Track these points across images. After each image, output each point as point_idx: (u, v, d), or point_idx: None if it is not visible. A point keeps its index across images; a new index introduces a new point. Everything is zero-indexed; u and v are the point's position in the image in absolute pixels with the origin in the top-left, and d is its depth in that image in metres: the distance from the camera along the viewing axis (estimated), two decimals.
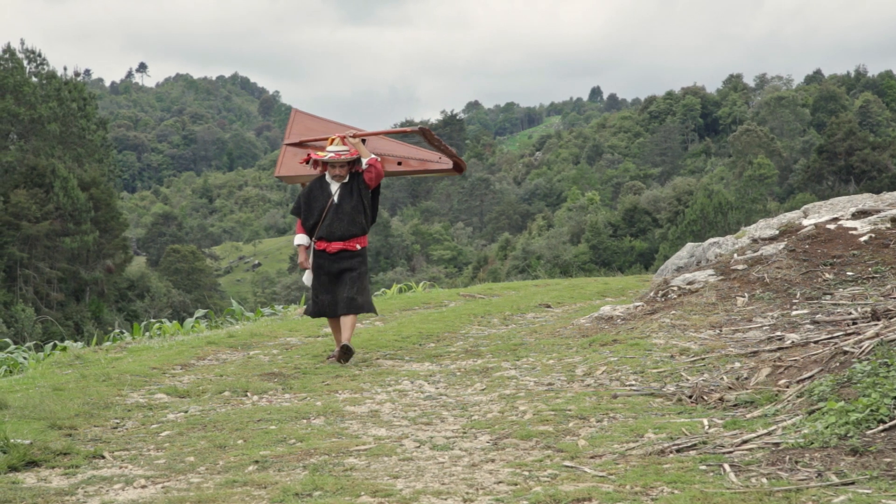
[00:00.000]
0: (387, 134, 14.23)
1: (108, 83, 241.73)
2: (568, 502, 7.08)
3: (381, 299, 24.63)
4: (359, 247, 13.36)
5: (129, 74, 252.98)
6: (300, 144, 14.17)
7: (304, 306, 13.54)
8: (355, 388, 12.10)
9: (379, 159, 13.42)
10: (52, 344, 21.27)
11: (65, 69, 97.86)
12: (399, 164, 13.71)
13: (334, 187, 13.37)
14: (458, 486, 7.70)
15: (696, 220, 74.00)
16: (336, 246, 13.27)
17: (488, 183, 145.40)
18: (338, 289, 13.31)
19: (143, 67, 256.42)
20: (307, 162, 13.73)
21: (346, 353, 13.20)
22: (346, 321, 13.35)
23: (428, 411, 10.74)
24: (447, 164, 13.81)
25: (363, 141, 13.71)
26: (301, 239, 13.45)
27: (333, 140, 13.50)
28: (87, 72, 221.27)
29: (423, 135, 13.87)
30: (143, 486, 8.10)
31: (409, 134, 14.54)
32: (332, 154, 13.28)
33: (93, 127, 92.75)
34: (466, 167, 14.76)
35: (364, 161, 13.32)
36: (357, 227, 13.32)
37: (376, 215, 13.59)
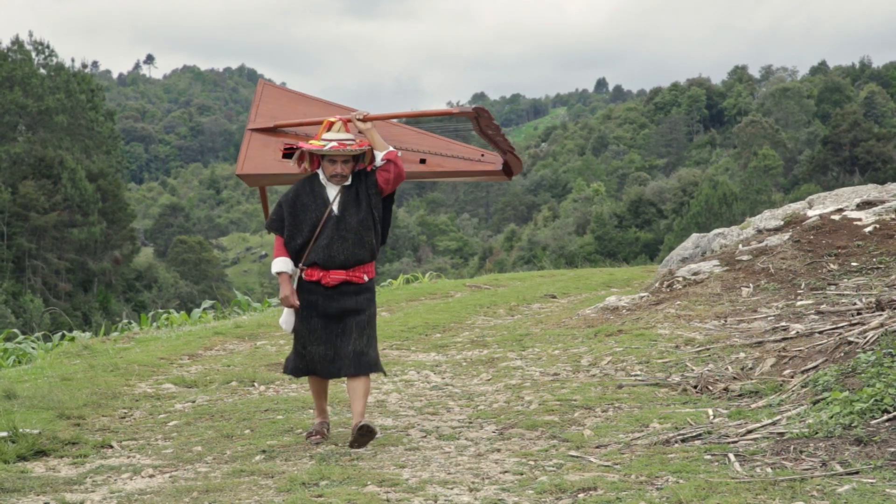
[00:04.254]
0: (412, 117, 10.60)
1: (115, 75, 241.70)
2: (573, 492, 7.12)
3: (388, 290, 24.68)
4: (366, 278, 9.01)
5: (137, 66, 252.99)
6: (272, 130, 9.91)
7: (287, 363, 9.26)
8: None
9: (400, 153, 9.14)
10: (60, 334, 21.33)
11: (72, 61, 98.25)
12: (422, 161, 9.63)
13: (332, 192, 8.93)
14: (463, 476, 7.74)
15: (701, 211, 73.93)
16: (336, 276, 8.88)
17: None
18: (338, 339, 8.94)
19: (150, 59, 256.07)
20: (289, 155, 9.45)
21: (365, 436, 8.78)
22: (357, 388, 8.93)
23: (434, 401, 10.79)
24: (492, 164, 9.66)
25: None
26: (283, 265, 8.94)
27: (332, 124, 9.04)
28: (95, 63, 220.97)
29: (476, 119, 9.25)
30: (151, 476, 8.15)
31: (451, 117, 10.13)
32: (333, 143, 8.81)
33: (100, 118, 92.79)
34: (521, 168, 9.88)
35: (379, 156, 8.93)
36: (365, 249, 8.94)
37: (388, 233, 9.30)
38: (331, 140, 8.87)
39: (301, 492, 7.38)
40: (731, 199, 74.17)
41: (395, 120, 10.07)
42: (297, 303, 8.89)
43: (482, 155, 9.75)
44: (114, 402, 10.95)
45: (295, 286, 8.96)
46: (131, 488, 7.77)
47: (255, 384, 11.97)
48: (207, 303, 25.98)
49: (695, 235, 18.79)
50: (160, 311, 25.95)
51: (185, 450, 8.94)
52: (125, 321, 23.91)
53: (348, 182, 8.97)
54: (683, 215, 78.07)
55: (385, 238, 9.22)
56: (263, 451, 8.71)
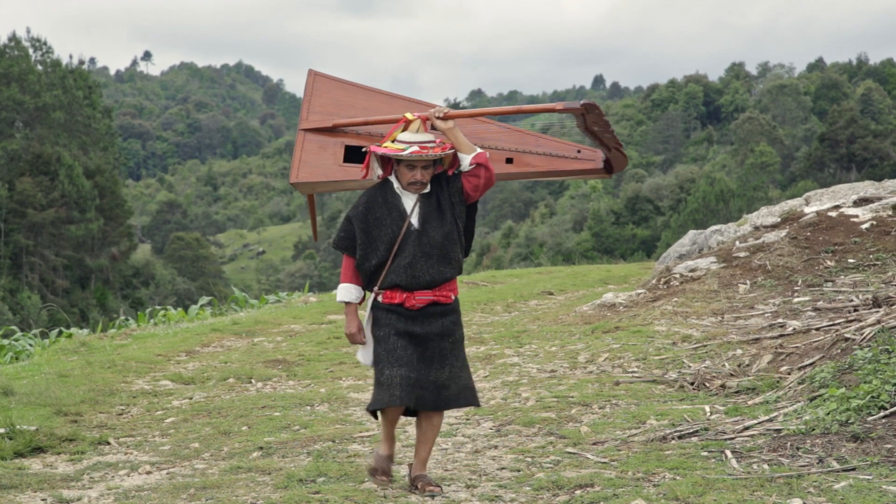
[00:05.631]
0: (503, 114, 8.91)
1: (112, 71, 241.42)
2: (570, 488, 7.14)
3: None
4: (453, 296, 7.70)
5: (134, 63, 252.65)
6: (329, 130, 8.46)
7: (370, 399, 7.59)
8: (359, 374, 12.16)
9: (488, 154, 7.81)
10: (57, 331, 21.35)
11: (70, 57, 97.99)
12: (509, 161, 8.42)
13: (409, 202, 7.59)
14: (461, 473, 7.76)
15: (699, 207, 73.89)
16: (422, 298, 7.55)
17: None
18: (419, 364, 7.53)
19: (147, 56, 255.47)
20: (352, 158, 8.36)
21: (426, 489, 7.45)
22: (428, 426, 7.64)
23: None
24: (591, 161, 8.51)
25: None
26: (348, 293, 7.64)
27: (410, 122, 7.68)
28: (92, 60, 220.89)
29: (583, 115, 8.04)
30: (149, 472, 8.16)
31: (555, 113, 8.41)
32: (414, 147, 7.47)
33: (98, 115, 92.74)
34: (627, 164, 8.71)
35: (466, 159, 7.60)
36: (452, 265, 7.65)
37: (472, 244, 8.05)
38: (410, 143, 7.45)
39: (298, 488, 7.39)
40: (728, 196, 74.15)
41: (499, 113, 8.79)
42: (365, 340, 7.56)
43: (578, 151, 8.47)
44: (111, 398, 10.96)
45: (369, 309, 7.60)
46: (128, 485, 7.78)
47: (253, 381, 11.98)
48: (205, 299, 26.02)
49: (692, 232, 18.82)
50: (157, 307, 26.01)
51: (183, 446, 8.96)
52: (122, 318, 23.96)
53: (427, 190, 7.56)
54: (680, 212, 78.02)
55: (468, 250, 7.90)
56: (261, 448, 8.72)
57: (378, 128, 8.27)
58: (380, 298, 7.50)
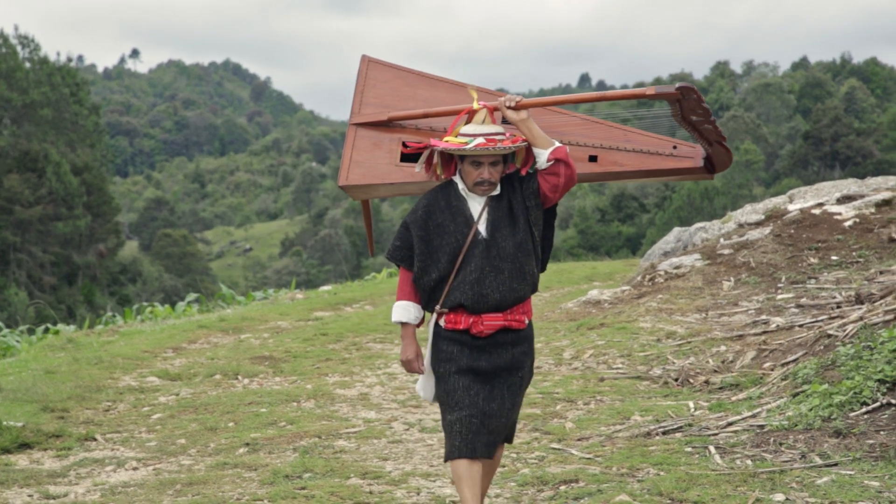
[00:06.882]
0: (585, 101, 7.11)
1: (100, 69, 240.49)
2: (555, 484, 7.19)
3: (371, 283, 24.71)
4: (527, 320, 6.37)
5: (122, 60, 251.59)
6: (385, 124, 7.09)
7: (447, 448, 6.20)
8: (345, 371, 12.19)
9: (568, 149, 6.47)
10: (44, 327, 21.34)
11: (58, 55, 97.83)
12: (592, 159, 6.98)
13: (476, 206, 6.31)
14: (446, 468, 7.79)
15: (683, 205, 74.03)
16: (492, 322, 6.23)
17: None
18: (485, 404, 6.22)
19: (135, 53, 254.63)
20: (409, 157, 6.90)
21: None
22: (493, 462, 6.44)
23: (417, 394, 10.83)
24: (689, 158, 7.00)
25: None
26: (404, 312, 6.35)
27: (474, 113, 6.44)
28: (80, 57, 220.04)
29: (678, 102, 6.56)
30: (135, 468, 8.19)
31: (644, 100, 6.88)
32: (479, 140, 6.21)
33: (85, 112, 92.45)
34: (731, 161, 7.07)
35: (543, 155, 6.29)
36: (526, 282, 6.32)
37: (549, 254, 6.64)
38: (475, 135, 6.22)
39: (284, 484, 7.42)
40: (712, 194, 74.30)
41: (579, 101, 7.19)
42: (423, 369, 6.31)
43: (674, 147, 7.02)
44: (98, 395, 10.97)
45: (430, 335, 6.32)
46: (115, 481, 7.81)
47: (239, 377, 12.00)
48: (192, 296, 26.00)
49: (676, 229, 18.90)
50: (144, 304, 26.01)
51: (169, 442, 8.98)
52: (109, 314, 23.96)
53: (496, 191, 6.31)
54: (665, 209, 78.12)
55: (546, 264, 6.56)
56: (247, 444, 8.75)
57: (441, 121, 6.90)
58: (442, 323, 6.25)
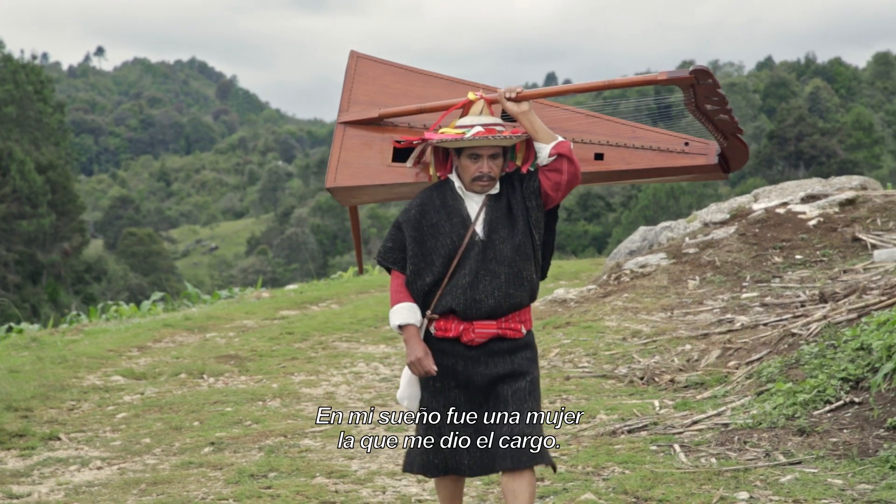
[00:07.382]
0: (591, 90, 6.49)
1: (65, 67, 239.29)
2: None
3: (338, 282, 24.69)
4: (524, 329, 5.82)
5: (87, 58, 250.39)
6: (376, 122, 6.51)
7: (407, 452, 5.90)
8: (311, 370, 12.17)
9: (572, 144, 5.95)
10: (8, 326, 21.19)
11: (22, 52, 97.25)
12: (598, 157, 6.36)
13: (473, 205, 5.83)
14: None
15: (649, 204, 74.30)
16: (483, 330, 5.73)
17: None
18: (487, 419, 5.72)
19: (100, 51, 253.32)
20: (402, 156, 6.28)
21: None
22: (518, 488, 5.59)
23: (383, 393, 10.83)
24: (703, 155, 6.42)
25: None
26: (407, 314, 5.80)
27: (471, 104, 5.94)
28: (45, 55, 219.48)
29: (693, 87, 6.03)
30: (99, 468, 8.15)
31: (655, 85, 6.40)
32: (477, 129, 5.71)
33: (49, 110, 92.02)
34: (748, 158, 6.58)
35: (545, 150, 5.77)
36: (523, 288, 5.78)
37: (551, 260, 6.08)
38: (472, 125, 5.72)
39: (250, 483, 7.41)
40: (678, 193, 74.60)
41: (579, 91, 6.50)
42: (434, 368, 5.66)
43: (686, 144, 6.46)
44: (62, 394, 10.92)
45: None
46: (79, 480, 7.77)
47: (204, 376, 11.96)
48: (157, 295, 25.94)
49: (642, 228, 18.95)
50: (109, 303, 25.90)
51: (134, 442, 8.95)
52: (74, 313, 23.86)
53: (496, 190, 5.82)
54: (631, 209, 78.37)
55: (546, 270, 6.02)
56: (212, 443, 8.73)
57: (431, 117, 6.31)
58: (432, 330, 5.78)
